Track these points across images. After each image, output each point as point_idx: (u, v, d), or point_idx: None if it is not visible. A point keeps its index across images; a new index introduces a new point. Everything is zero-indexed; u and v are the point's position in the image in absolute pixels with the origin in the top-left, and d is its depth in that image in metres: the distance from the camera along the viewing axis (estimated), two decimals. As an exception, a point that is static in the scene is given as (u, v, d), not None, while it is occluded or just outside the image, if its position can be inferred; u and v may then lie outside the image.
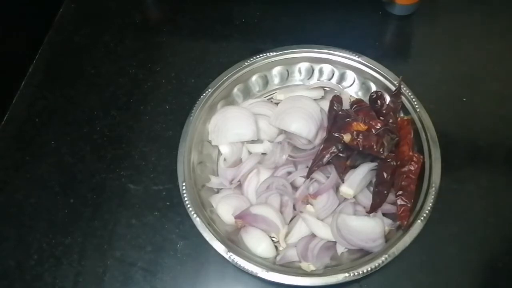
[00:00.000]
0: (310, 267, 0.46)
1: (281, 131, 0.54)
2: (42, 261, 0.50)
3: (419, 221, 0.45)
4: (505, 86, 0.60)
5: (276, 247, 0.48)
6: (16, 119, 0.61)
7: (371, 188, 0.49)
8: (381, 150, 0.47)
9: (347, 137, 0.47)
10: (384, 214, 0.48)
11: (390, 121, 0.52)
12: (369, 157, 0.50)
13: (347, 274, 0.43)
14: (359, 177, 0.48)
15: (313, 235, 0.48)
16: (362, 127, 0.48)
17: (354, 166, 0.49)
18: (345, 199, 0.49)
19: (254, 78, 0.58)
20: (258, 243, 0.47)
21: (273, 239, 0.48)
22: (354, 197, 0.48)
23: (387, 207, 0.48)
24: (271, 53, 0.57)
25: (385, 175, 0.48)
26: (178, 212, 0.52)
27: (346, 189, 0.48)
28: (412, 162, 0.48)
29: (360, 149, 0.47)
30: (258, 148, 0.53)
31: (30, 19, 0.68)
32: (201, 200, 0.49)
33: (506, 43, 0.64)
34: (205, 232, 0.46)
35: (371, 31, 0.66)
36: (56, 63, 0.66)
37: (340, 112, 0.52)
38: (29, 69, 0.66)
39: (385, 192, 0.47)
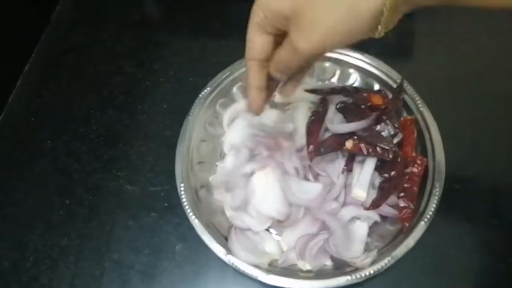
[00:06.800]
0: (306, 266, 0.45)
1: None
2: (38, 263, 0.50)
3: (422, 222, 0.44)
4: (508, 85, 0.60)
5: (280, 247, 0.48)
6: (12, 118, 0.61)
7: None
8: (385, 154, 0.47)
9: (349, 144, 0.47)
10: (385, 217, 0.48)
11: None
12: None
13: (349, 277, 0.42)
14: (368, 177, 0.47)
15: (314, 235, 0.47)
16: (380, 100, 0.49)
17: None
18: None
19: (253, 77, 0.57)
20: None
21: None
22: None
23: (387, 209, 0.47)
24: (271, 52, 0.56)
25: (392, 173, 0.47)
26: (176, 213, 0.51)
27: (359, 192, 0.46)
28: (416, 165, 0.48)
29: (365, 153, 0.47)
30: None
31: (27, 17, 0.68)
32: (200, 201, 0.48)
33: (508, 42, 0.63)
34: (204, 234, 0.45)
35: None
36: (53, 61, 0.66)
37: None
38: (25, 67, 0.65)
39: (391, 190, 0.47)
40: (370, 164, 0.48)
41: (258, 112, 0.42)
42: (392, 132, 0.48)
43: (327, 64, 0.57)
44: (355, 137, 0.47)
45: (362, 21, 0.32)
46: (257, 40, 0.37)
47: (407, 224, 0.45)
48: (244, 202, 0.48)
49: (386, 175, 0.47)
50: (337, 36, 0.33)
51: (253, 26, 0.36)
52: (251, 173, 0.50)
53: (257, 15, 0.36)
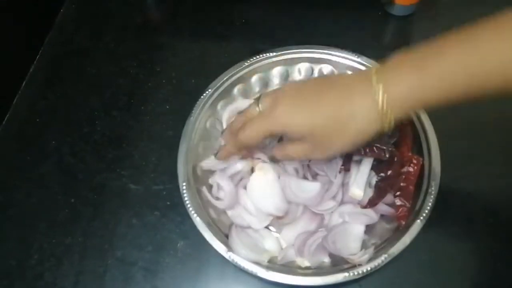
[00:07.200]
0: (305, 263, 0.46)
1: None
2: (42, 261, 0.51)
3: (418, 221, 0.45)
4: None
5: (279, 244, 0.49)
6: (17, 119, 0.61)
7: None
8: (382, 153, 0.47)
9: None
10: (382, 215, 0.48)
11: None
12: None
13: (346, 274, 0.43)
14: (365, 176, 0.48)
15: (312, 232, 0.48)
16: None
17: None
18: None
19: (254, 78, 0.58)
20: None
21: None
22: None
23: (384, 207, 0.48)
24: (271, 54, 0.57)
25: (389, 172, 0.48)
26: (178, 212, 0.52)
27: (357, 191, 0.47)
28: (412, 164, 0.48)
29: (362, 153, 0.47)
30: None
31: (31, 19, 0.69)
32: (201, 199, 0.49)
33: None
34: (205, 232, 0.46)
35: (371, 31, 0.66)
36: (57, 63, 0.67)
37: None
38: (30, 69, 0.66)
39: (387, 189, 0.47)
40: (367, 163, 0.48)
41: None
42: (388, 133, 0.49)
43: (324, 66, 0.58)
44: None
45: (368, 137, 0.41)
46: (259, 140, 0.44)
47: (404, 222, 0.46)
48: (232, 203, 0.49)
49: (382, 174, 0.48)
50: (349, 149, 0.43)
51: (262, 131, 0.43)
52: (240, 173, 0.51)
53: (273, 127, 0.42)
